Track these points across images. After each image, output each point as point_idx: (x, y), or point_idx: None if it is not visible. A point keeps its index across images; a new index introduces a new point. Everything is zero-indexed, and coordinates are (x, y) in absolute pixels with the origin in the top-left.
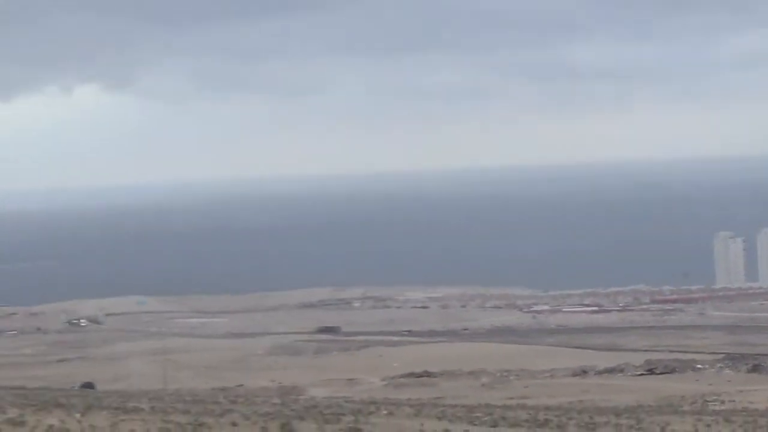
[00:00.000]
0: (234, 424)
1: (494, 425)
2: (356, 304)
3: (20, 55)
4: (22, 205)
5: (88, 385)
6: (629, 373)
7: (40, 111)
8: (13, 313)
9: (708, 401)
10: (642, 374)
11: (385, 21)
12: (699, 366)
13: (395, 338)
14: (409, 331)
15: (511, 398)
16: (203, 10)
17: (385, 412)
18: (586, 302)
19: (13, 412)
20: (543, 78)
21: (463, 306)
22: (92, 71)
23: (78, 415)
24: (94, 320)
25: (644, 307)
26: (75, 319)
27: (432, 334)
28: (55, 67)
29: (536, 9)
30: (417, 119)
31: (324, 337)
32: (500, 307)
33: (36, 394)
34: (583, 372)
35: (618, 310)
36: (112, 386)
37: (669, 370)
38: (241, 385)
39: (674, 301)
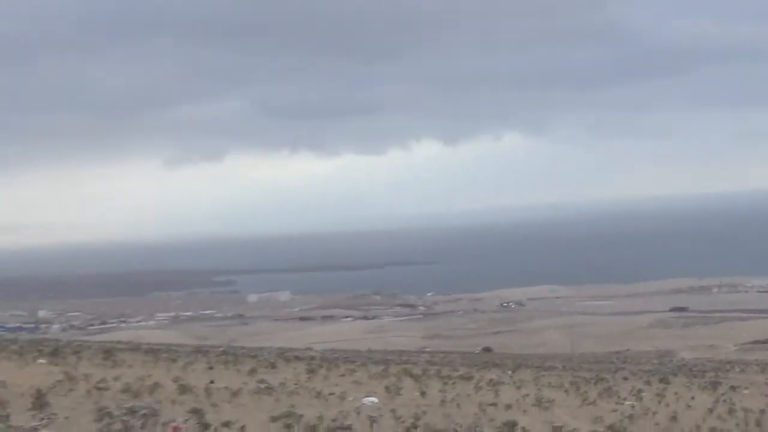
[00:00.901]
0: (625, 378)
1: None
2: (714, 290)
3: (462, 113)
4: (472, 219)
5: (487, 349)
6: None
7: (476, 152)
8: (460, 299)
9: None
10: None
11: (727, 80)
12: None
13: (744, 315)
14: None
15: None
16: (594, 76)
17: (738, 369)
18: None
19: (462, 370)
20: None
21: None
22: (515, 123)
23: (510, 372)
24: (519, 303)
25: None
26: (505, 302)
27: None
28: (488, 121)
29: None
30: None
31: (679, 314)
32: None
33: (477, 356)
34: None
35: None
36: (533, 351)
37: None
38: (629, 350)
39: None
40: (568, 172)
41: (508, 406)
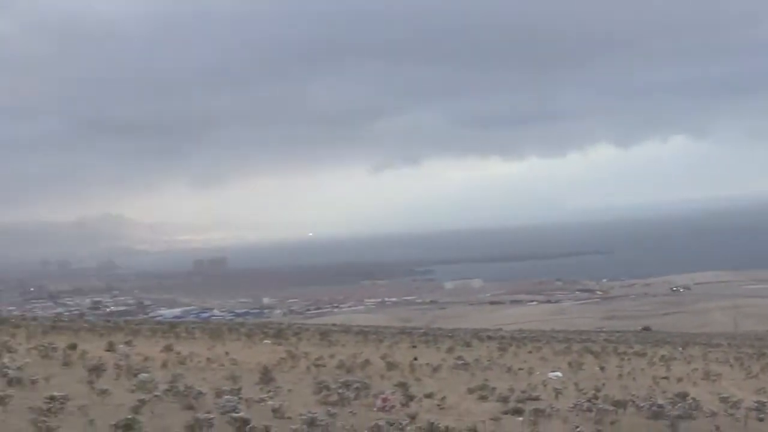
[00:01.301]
0: None
1: None
2: None
3: (634, 119)
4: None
5: (647, 328)
6: None
7: (646, 154)
8: (633, 284)
9: None
10: None
11: None
12: None
13: None
14: None
15: None
16: (751, 85)
17: None
18: None
19: (637, 347)
20: None
21: None
22: (681, 128)
23: (680, 349)
24: (686, 287)
25: None
26: (674, 287)
27: None
28: (657, 126)
29: None
30: None
31: None
32: None
33: (639, 334)
34: None
35: None
36: (700, 330)
37: None
38: None
39: None
40: (727, 171)
41: (679, 379)
